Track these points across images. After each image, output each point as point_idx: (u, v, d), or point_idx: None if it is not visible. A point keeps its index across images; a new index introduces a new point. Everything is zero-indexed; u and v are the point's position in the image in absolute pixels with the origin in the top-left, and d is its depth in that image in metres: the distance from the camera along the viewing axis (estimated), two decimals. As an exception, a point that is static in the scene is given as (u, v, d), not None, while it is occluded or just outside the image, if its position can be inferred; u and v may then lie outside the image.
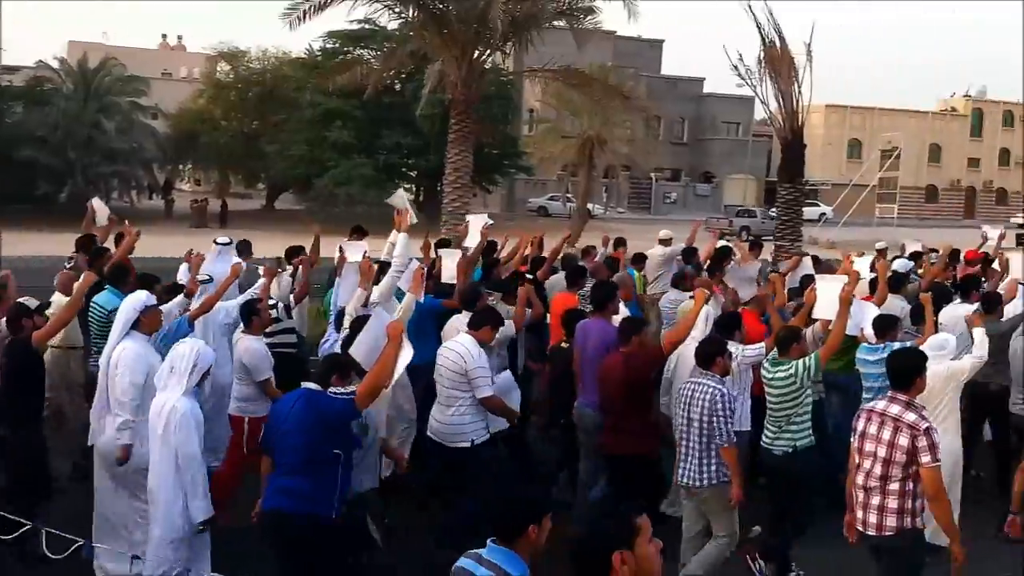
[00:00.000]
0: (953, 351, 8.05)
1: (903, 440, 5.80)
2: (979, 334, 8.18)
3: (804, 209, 28.50)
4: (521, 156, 48.81)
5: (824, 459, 7.93)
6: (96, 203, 12.30)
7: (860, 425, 6.12)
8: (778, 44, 22.08)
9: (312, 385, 6.20)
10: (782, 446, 7.47)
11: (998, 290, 10.54)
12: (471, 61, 21.12)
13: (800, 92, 22.27)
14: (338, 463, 5.98)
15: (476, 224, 11.62)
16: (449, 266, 9.93)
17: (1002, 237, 15.35)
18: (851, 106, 75.61)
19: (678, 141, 69.28)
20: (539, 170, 51.62)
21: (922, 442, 5.75)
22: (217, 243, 11.25)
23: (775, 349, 7.74)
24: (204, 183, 62.79)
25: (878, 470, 5.93)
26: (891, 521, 5.92)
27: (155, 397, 6.48)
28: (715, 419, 6.95)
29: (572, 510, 8.04)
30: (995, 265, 12.50)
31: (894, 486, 5.89)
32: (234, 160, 51.63)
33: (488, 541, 4.16)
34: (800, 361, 7.46)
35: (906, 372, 6.05)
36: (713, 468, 7.03)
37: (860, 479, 6.06)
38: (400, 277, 8.40)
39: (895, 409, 5.91)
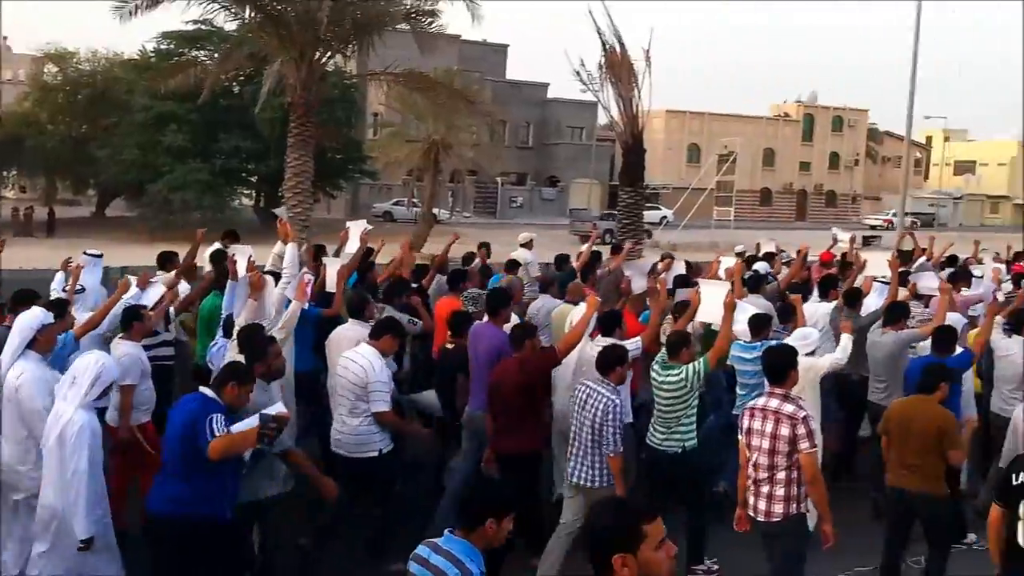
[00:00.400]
0: (815, 343, 8.54)
1: (784, 431, 6.23)
2: (845, 339, 8.64)
3: (645, 212, 28.96)
4: (365, 160, 48.21)
5: (708, 456, 8.32)
6: None
7: (745, 422, 6.53)
8: (618, 50, 22.30)
9: (209, 391, 6.15)
10: (672, 447, 7.72)
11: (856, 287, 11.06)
12: (311, 63, 20.56)
13: (640, 97, 22.57)
14: (221, 468, 5.93)
15: (356, 230, 11.72)
16: (331, 274, 9.83)
17: (853, 240, 16.32)
18: (690, 111, 77.43)
19: (523, 146, 69.68)
20: (384, 175, 50.97)
21: (800, 430, 6.18)
22: (87, 254, 10.91)
23: (664, 352, 7.94)
24: (30, 190, 59.94)
25: (764, 461, 6.34)
26: (778, 508, 6.33)
27: (53, 406, 6.37)
28: (606, 428, 7.16)
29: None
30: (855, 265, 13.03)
31: (780, 475, 6.30)
32: (61, 165, 49.63)
33: (445, 531, 4.36)
34: (690, 365, 7.69)
35: (780, 367, 6.51)
36: (605, 469, 7.25)
37: (751, 472, 6.46)
38: (289, 287, 8.32)
39: (774, 403, 6.35)
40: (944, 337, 8.66)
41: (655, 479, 7.87)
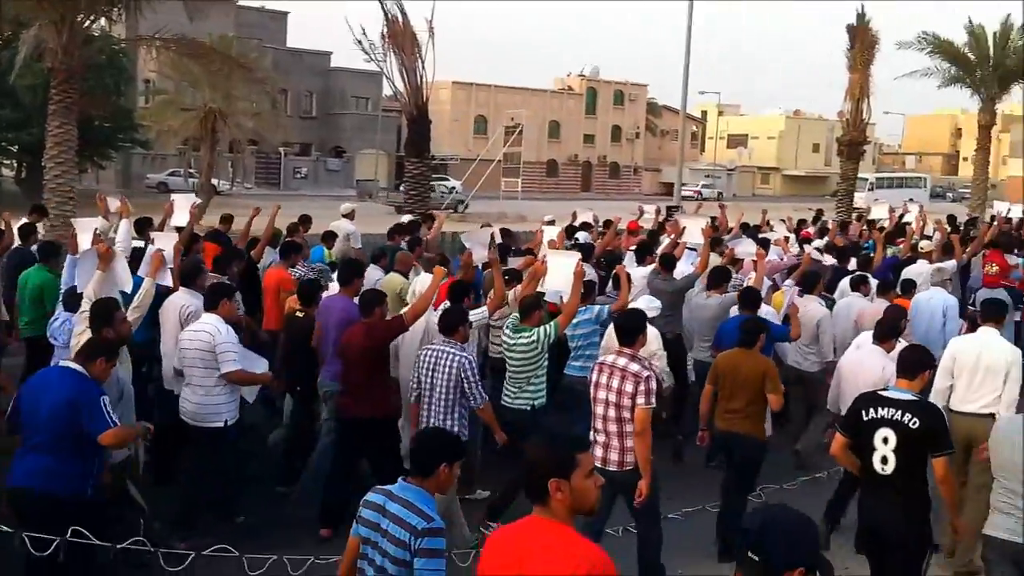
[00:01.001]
0: (659, 309, 9.43)
1: (628, 387, 6.74)
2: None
3: (433, 183, 28.62)
4: (136, 129, 45.68)
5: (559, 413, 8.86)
6: None
7: (594, 376, 7.00)
8: (400, 19, 21.83)
9: (72, 364, 6.20)
10: (522, 405, 8.22)
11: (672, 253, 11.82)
12: (72, 26, 19.08)
13: (424, 68, 22.21)
14: (87, 441, 5.98)
15: (183, 204, 11.75)
16: (164, 248, 9.44)
17: (658, 212, 17.65)
18: (476, 83, 77.62)
19: (307, 115, 67.96)
20: (157, 144, 48.48)
21: (641, 387, 6.70)
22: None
23: (517, 316, 8.36)
24: None
25: (612, 414, 6.82)
26: (630, 457, 6.78)
27: None
28: (465, 383, 7.59)
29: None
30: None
31: (628, 428, 6.77)
32: None
33: (399, 479, 4.49)
34: (541, 328, 8.18)
35: (633, 330, 7.04)
36: (456, 429, 7.50)
37: (599, 424, 6.91)
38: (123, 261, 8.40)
39: (622, 361, 6.85)
40: (751, 297, 9.44)
41: (508, 435, 8.02)
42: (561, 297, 9.03)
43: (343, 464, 8.27)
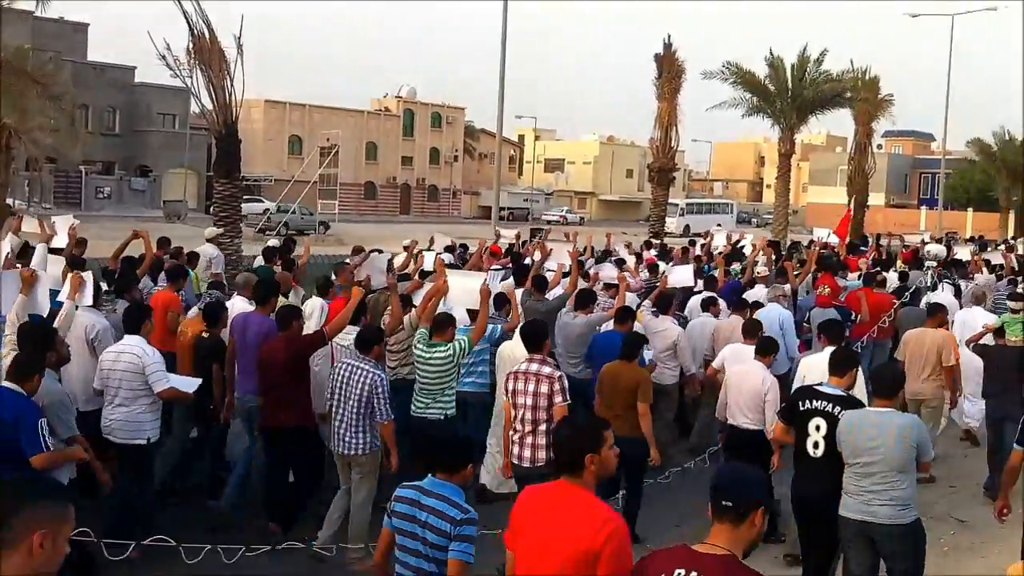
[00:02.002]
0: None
1: (544, 388, 7.71)
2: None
3: (246, 204, 27.70)
4: (-78, 145, 42.69)
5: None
6: None
7: (510, 385, 7.93)
8: (207, 35, 20.99)
9: (14, 386, 6.48)
10: (435, 414, 8.82)
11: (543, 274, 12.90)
12: None
13: (233, 85, 21.41)
14: (21, 461, 6.24)
15: (63, 224, 11.82)
16: (53, 271, 9.58)
17: (518, 236, 19.09)
18: (291, 102, 76.11)
19: (109, 132, 64.89)
20: (-55, 161, 45.47)
21: (556, 387, 7.72)
22: None
23: (425, 331, 9.03)
24: None
25: (529, 415, 7.72)
26: (542, 454, 7.60)
27: None
28: (375, 399, 8.09)
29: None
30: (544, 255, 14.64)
31: (542, 427, 7.66)
32: None
33: (428, 476, 5.17)
34: (456, 342, 8.86)
35: (537, 337, 8.06)
36: (367, 438, 8.17)
37: (517, 426, 7.80)
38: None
39: (534, 367, 7.84)
40: (625, 315, 10.62)
41: (418, 444, 8.58)
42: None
43: (276, 469, 8.86)
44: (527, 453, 7.80)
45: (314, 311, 11.00)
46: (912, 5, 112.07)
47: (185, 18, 20.91)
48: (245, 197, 32.75)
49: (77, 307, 8.61)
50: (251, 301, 10.19)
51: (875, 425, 6.59)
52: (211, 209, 30.82)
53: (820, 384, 7.30)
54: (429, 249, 15.76)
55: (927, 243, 28.90)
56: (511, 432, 7.91)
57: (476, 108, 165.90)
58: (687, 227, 62.48)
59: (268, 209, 54.86)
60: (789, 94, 43.15)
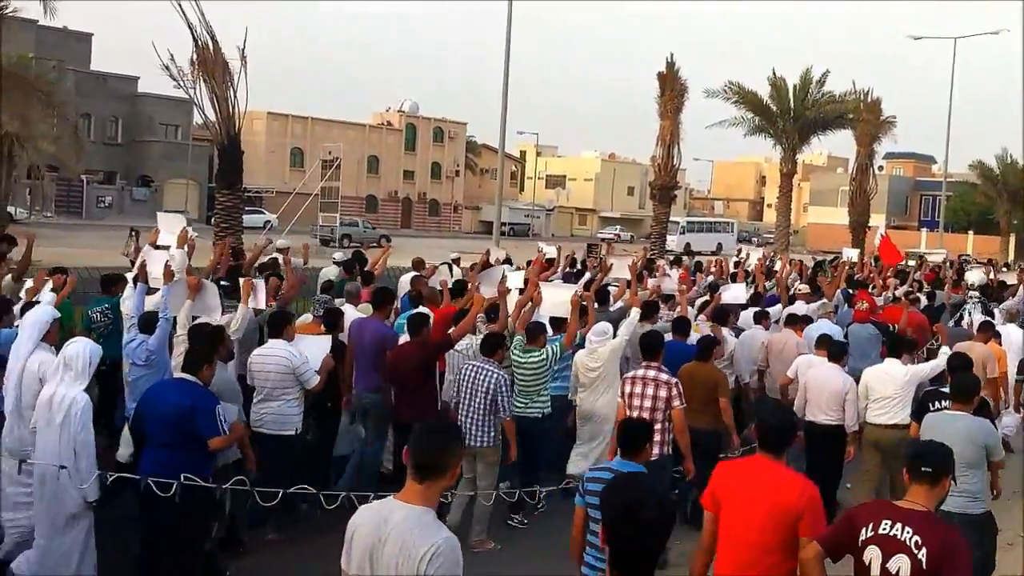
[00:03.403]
0: (611, 335, 10.44)
1: (662, 392, 8.63)
2: (627, 326, 10.84)
3: (247, 216, 27.68)
4: (-77, 152, 42.60)
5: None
6: None
7: (627, 388, 8.84)
8: (211, 46, 21.00)
9: (190, 377, 7.39)
10: (534, 413, 9.83)
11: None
12: None
13: (236, 97, 21.43)
14: (201, 441, 7.27)
15: (169, 224, 11.71)
16: (154, 269, 9.87)
17: (559, 249, 19.11)
18: (293, 115, 76.12)
19: (112, 142, 64.98)
20: (-53, 169, 45.40)
21: (674, 392, 8.65)
22: None
23: (521, 338, 10.01)
24: None
25: (647, 416, 8.36)
26: (656, 450, 7.94)
27: (43, 389, 7.31)
28: (499, 397, 9.03)
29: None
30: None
31: (657, 426, 8.25)
32: None
33: (616, 457, 6.15)
34: (548, 348, 9.90)
35: (654, 347, 9.03)
36: (492, 433, 9.09)
37: None
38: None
39: (652, 373, 8.75)
40: (682, 325, 11.45)
41: (520, 439, 9.40)
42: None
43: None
44: (653, 450, 8.37)
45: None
46: (915, 28, 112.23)
47: (189, 29, 20.99)
48: (246, 208, 32.72)
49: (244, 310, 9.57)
50: (355, 307, 11.40)
51: (949, 425, 7.27)
52: (212, 220, 30.80)
53: (946, 398, 8.24)
54: (488, 265, 15.81)
55: (958, 264, 30.35)
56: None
57: (478, 123, 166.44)
58: (687, 245, 62.42)
59: (268, 221, 54.87)
60: (791, 114, 43.23)
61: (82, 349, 7.32)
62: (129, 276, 10.53)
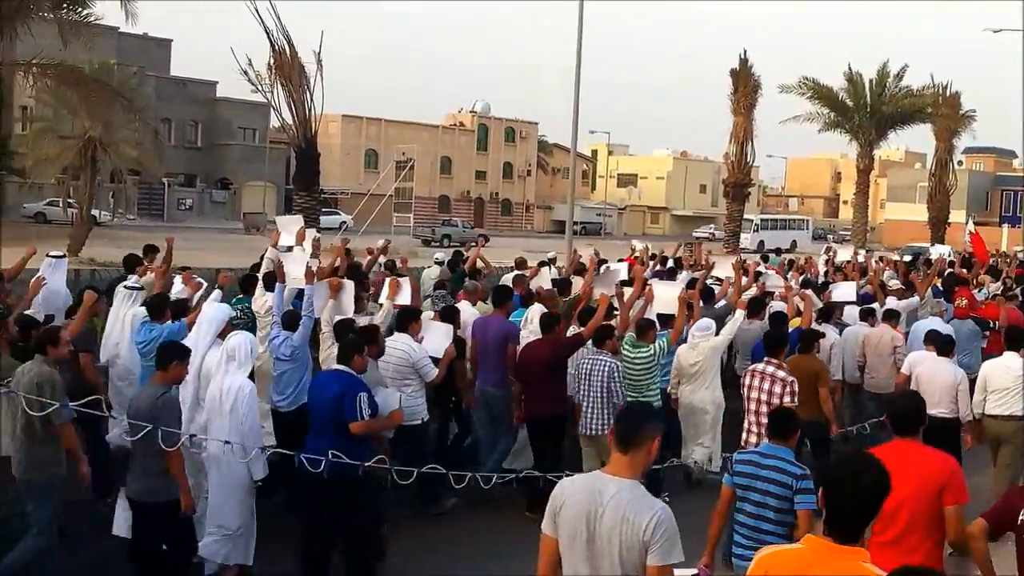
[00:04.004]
0: (713, 331, 11.02)
1: (777, 389, 8.94)
2: (731, 326, 11.40)
3: (323, 217, 28.14)
4: (12, 157, 43.84)
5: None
6: None
7: (747, 380, 9.18)
8: (288, 51, 21.43)
9: (340, 366, 7.97)
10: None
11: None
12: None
13: (312, 100, 21.83)
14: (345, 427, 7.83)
15: (289, 226, 12.05)
16: (293, 269, 10.16)
17: (646, 249, 19.74)
18: (367, 117, 77.00)
19: (191, 145, 66.38)
20: (35, 173, 46.55)
21: (787, 390, 8.91)
22: (50, 256, 11.80)
23: (633, 335, 10.39)
24: None
25: (764, 409, 8.77)
26: (753, 440, 8.67)
27: (212, 381, 7.92)
28: (613, 385, 9.62)
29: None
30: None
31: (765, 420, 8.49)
32: None
33: (764, 442, 6.54)
34: (656, 343, 10.38)
35: (777, 343, 9.48)
36: (610, 420, 9.28)
37: (751, 417, 9.03)
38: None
39: (771, 369, 9.08)
40: (778, 320, 11.62)
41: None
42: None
43: (537, 449, 10.13)
44: (753, 440, 8.87)
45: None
46: (992, 20, 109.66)
47: (267, 35, 21.43)
48: (323, 210, 33.23)
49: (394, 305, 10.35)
50: (472, 305, 12.08)
51: None
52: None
53: None
54: (581, 265, 16.46)
55: None
56: (745, 423, 9.15)
57: (549, 123, 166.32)
58: (761, 243, 61.75)
59: (344, 222, 55.60)
60: (868, 109, 42.62)
61: (243, 340, 7.91)
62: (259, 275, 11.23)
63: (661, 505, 4.36)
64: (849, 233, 46.24)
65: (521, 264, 16.51)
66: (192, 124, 66.34)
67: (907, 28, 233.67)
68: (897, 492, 5.30)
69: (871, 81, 42.53)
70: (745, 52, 34.95)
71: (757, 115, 35.07)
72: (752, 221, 66.56)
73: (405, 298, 10.59)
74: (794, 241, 66.78)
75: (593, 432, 9.67)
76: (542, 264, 16.40)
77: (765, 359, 9.25)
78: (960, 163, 67.25)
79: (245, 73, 21.79)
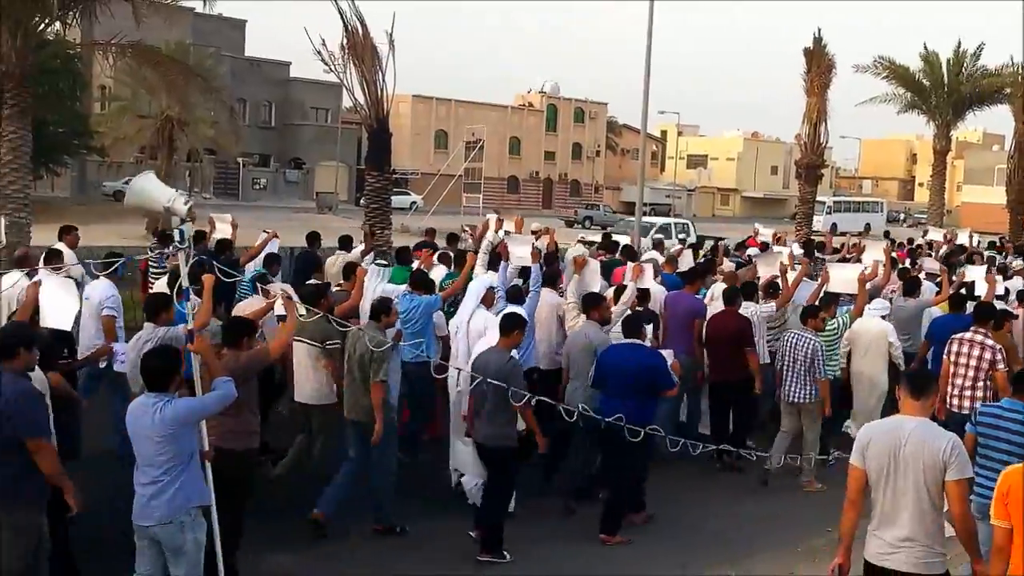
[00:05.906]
0: (887, 309, 12.03)
1: (987, 355, 9.56)
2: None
3: (394, 197, 28.44)
4: (92, 136, 44.87)
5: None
6: None
7: (955, 347, 9.78)
8: (360, 31, 21.61)
9: (635, 340, 9.29)
10: (828, 374, 10.76)
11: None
12: (26, 30, 18.72)
13: (384, 81, 21.99)
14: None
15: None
16: (519, 251, 11.18)
17: (775, 235, 20.66)
18: (437, 97, 77.44)
19: (265, 126, 67.40)
20: (114, 152, 47.61)
21: (998, 356, 9.54)
22: (376, 264, 12.89)
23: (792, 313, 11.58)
24: None
25: (971, 374, 9.58)
26: (967, 403, 9.42)
27: (480, 339, 9.34)
28: (816, 361, 10.42)
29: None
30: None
31: (980, 384, 9.55)
32: None
33: (1004, 399, 7.36)
34: (840, 317, 11.46)
35: (987, 315, 10.11)
36: (811, 390, 10.50)
37: (958, 381, 9.63)
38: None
39: (979, 337, 9.71)
40: (959, 300, 12.17)
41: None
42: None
43: (716, 412, 11.44)
44: (955, 401, 9.60)
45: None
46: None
47: (340, 15, 21.58)
48: (394, 190, 33.57)
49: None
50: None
51: None
52: (361, 201, 31.65)
53: None
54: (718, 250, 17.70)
55: None
56: (949, 387, 9.64)
57: (618, 103, 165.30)
58: (834, 225, 60.90)
59: (415, 202, 55.97)
60: (945, 89, 41.76)
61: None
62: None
63: (953, 435, 5.49)
64: (925, 216, 45.36)
65: (658, 245, 17.76)
66: (266, 104, 67.31)
67: (983, 5, 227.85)
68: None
69: (948, 60, 41.63)
70: (819, 31, 34.33)
71: (831, 96, 34.41)
72: (824, 203, 65.64)
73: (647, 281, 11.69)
74: (867, 224, 65.80)
75: (794, 400, 10.59)
76: (688, 247, 17.69)
77: (972, 328, 9.86)
78: (1041, 145, 65.49)
79: (319, 53, 21.95)
